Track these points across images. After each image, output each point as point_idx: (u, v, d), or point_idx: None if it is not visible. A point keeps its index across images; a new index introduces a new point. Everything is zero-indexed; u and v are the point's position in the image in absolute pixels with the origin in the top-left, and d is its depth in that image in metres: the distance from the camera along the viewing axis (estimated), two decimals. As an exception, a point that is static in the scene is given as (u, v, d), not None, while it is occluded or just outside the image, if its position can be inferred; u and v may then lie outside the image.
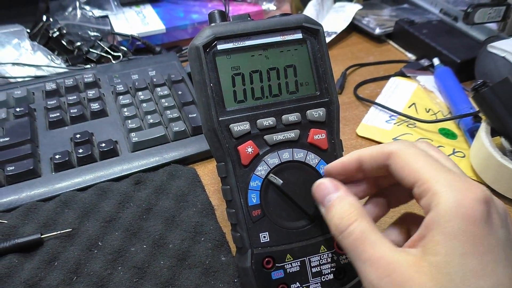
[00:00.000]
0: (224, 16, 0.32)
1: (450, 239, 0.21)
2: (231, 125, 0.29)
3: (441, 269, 0.21)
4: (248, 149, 0.30)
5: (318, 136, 0.31)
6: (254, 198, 0.30)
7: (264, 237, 0.29)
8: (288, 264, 0.29)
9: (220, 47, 0.30)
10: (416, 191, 0.24)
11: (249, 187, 0.30)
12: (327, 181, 0.28)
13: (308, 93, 0.31)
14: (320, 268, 0.30)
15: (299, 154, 0.30)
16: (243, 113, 0.30)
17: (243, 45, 0.30)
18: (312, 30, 0.31)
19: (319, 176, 0.30)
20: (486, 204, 0.22)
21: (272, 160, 0.30)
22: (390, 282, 0.21)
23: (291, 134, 0.30)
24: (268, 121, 0.30)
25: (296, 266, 0.29)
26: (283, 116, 0.30)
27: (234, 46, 0.30)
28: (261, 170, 0.30)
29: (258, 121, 0.30)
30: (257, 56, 0.31)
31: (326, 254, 0.30)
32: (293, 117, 0.30)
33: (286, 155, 0.30)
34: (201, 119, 0.30)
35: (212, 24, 0.31)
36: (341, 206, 0.26)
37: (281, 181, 0.29)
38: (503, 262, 0.21)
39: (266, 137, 0.30)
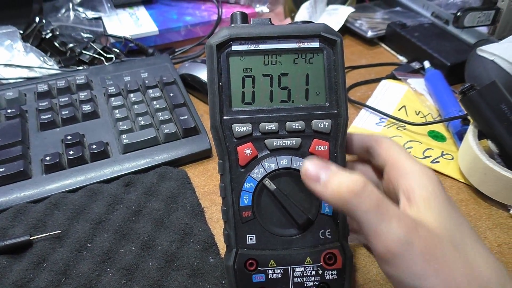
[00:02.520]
0: (245, 18, 0.32)
1: (433, 195, 0.26)
2: (233, 125, 0.30)
3: (442, 218, 0.25)
4: (246, 150, 0.30)
5: (320, 147, 0.30)
6: (246, 199, 0.30)
7: (251, 239, 0.30)
8: (271, 269, 0.29)
9: (234, 48, 0.30)
10: (388, 167, 0.29)
11: (243, 187, 0.30)
12: (315, 158, 0.27)
13: (317, 103, 0.31)
14: (303, 279, 0.30)
15: (298, 163, 0.30)
16: (247, 114, 0.30)
17: (258, 48, 0.30)
18: (330, 40, 0.31)
19: None
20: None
21: (270, 164, 0.30)
22: (418, 234, 0.23)
23: (292, 142, 0.30)
24: (271, 126, 0.30)
25: (278, 273, 0.29)
26: (287, 123, 0.30)
27: (248, 48, 0.30)
28: (257, 173, 0.30)
29: (261, 124, 0.30)
30: (270, 61, 0.31)
31: (311, 267, 0.30)
32: (297, 125, 0.30)
33: (284, 161, 0.30)
34: (209, 115, 0.31)
35: (231, 25, 0.31)
36: (344, 173, 0.25)
37: (275, 187, 0.29)
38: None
39: (266, 141, 0.30)
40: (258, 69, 0.30)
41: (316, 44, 0.31)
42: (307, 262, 0.30)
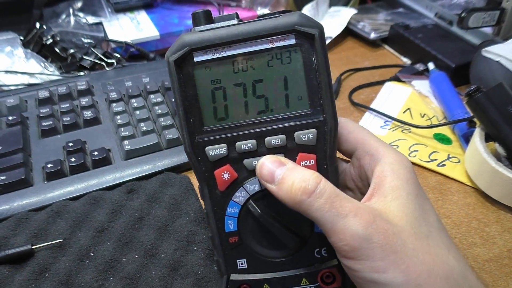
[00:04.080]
0: (209, 17, 0.28)
1: (405, 183, 0.26)
2: (207, 147, 0.27)
3: (407, 208, 0.25)
4: (224, 174, 0.27)
5: (307, 162, 0.27)
6: (231, 225, 0.28)
7: (242, 263, 0.28)
8: None
9: (197, 59, 0.26)
10: (360, 151, 0.28)
11: (226, 213, 0.28)
12: (271, 157, 0.26)
13: (299, 110, 0.27)
14: None
15: None
16: (221, 134, 0.27)
17: (224, 55, 0.27)
18: (307, 35, 0.26)
19: None
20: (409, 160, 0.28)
21: (252, 186, 0.27)
22: (376, 228, 0.23)
23: None
24: (248, 145, 0.27)
25: None
26: (266, 139, 0.27)
27: (213, 57, 0.27)
28: (240, 196, 0.28)
29: (237, 144, 0.27)
30: (240, 67, 0.27)
31: (308, 287, 0.28)
32: (277, 140, 0.27)
33: None
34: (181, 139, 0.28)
35: (194, 29, 0.27)
36: (298, 171, 0.25)
37: (259, 211, 0.27)
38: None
39: (245, 161, 0.27)
40: (228, 79, 0.27)
41: (291, 41, 0.26)
42: (303, 283, 0.28)
